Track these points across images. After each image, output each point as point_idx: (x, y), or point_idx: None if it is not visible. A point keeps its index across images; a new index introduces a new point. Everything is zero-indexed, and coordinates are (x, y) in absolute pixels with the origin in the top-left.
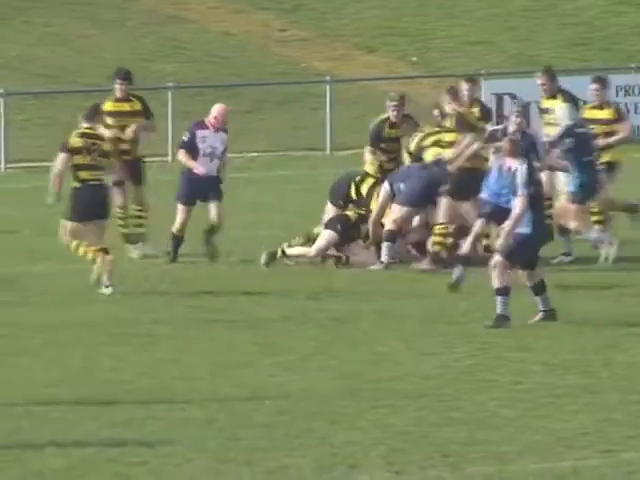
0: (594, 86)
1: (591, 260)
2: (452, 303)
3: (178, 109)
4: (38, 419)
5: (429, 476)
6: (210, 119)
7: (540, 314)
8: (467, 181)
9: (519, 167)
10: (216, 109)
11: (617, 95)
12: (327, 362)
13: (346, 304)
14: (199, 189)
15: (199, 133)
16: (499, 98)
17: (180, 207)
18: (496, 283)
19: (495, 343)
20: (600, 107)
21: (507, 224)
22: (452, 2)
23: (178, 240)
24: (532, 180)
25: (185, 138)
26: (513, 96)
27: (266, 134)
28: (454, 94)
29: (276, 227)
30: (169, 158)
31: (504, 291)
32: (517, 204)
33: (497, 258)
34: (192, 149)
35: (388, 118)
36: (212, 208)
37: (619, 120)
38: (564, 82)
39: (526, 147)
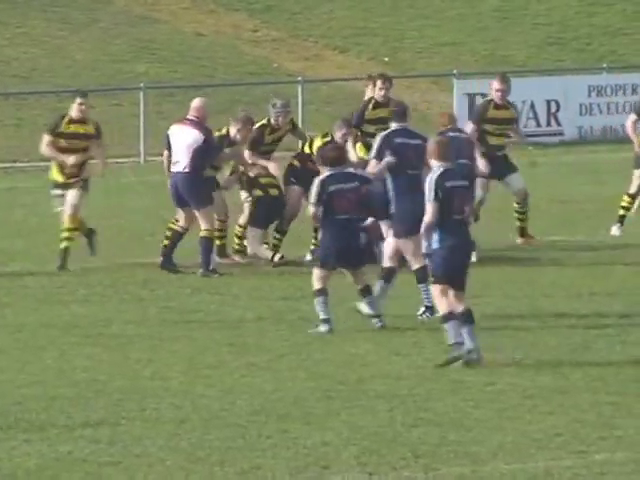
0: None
1: (562, 260)
2: None
3: (150, 109)
4: (11, 419)
5: (402, 477)
6: (196, 115)
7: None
8: None
9: (434, 170)
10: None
11: (589, 95)
12: (300, 363)
13: None
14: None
15: None
16: (471, 98)
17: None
18: (440, 310)
19: None
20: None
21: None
22: (424, 3)
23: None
24: (440, 185)
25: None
26: (484, 96)
27: None
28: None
29: None
30: (141, 159)
31: (447, 317)
32: (427, 212)
33: (432, 287)
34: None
35: (269, 123)
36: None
37: None
38: (536, 83)
39: None
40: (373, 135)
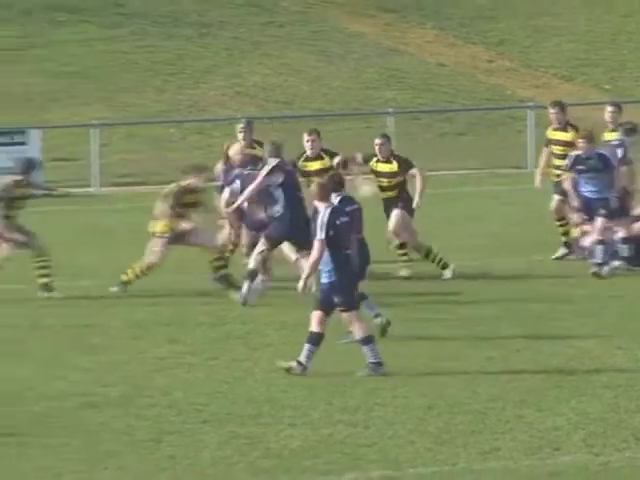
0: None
1: None
2: None
3: (398, 131)
4: (278, 405)
5: (624, 457)
6: None
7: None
8: None
9: (323, 211)
10: None
11: None
12: (532, 356)
13: (547, 304)
14: None
15: None
16: None
17: None
18: (358, 335)
19: None
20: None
21: (306, 268)
22: None
23: None
24: (332, 224)
25: None
26: None
27: (476, 153)
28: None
29: (484, 237)
30: None
31: (367, 340)
32: (314, 248)
33: (344, 315)
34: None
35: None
36: None
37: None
38: None
39: None
40: None
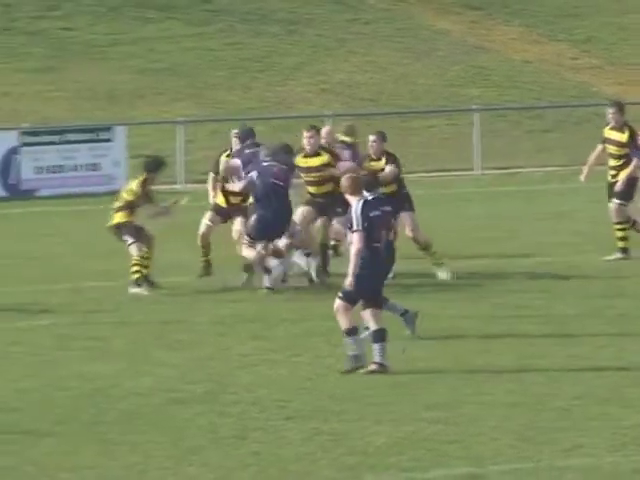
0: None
1: None
2: None
3: (483, 128)
4: (362, 402)
5: None
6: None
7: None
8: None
9: (355, 204)
10: None
11: None
12: (617, 354)
13: (632, 302)
14: None
15: None
16: None
17: None
18: (343, 325)
19: None
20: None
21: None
22: None
23: None
24: (365, 216)
25: None
26: None
27: (563, 150)
28: None
29: (570, 234)
30: (478, 172)
31: (352, 331)
32: (354, 240)
33: (337, 302)
34: None
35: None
36: None
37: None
38: None
39: None
40: None
